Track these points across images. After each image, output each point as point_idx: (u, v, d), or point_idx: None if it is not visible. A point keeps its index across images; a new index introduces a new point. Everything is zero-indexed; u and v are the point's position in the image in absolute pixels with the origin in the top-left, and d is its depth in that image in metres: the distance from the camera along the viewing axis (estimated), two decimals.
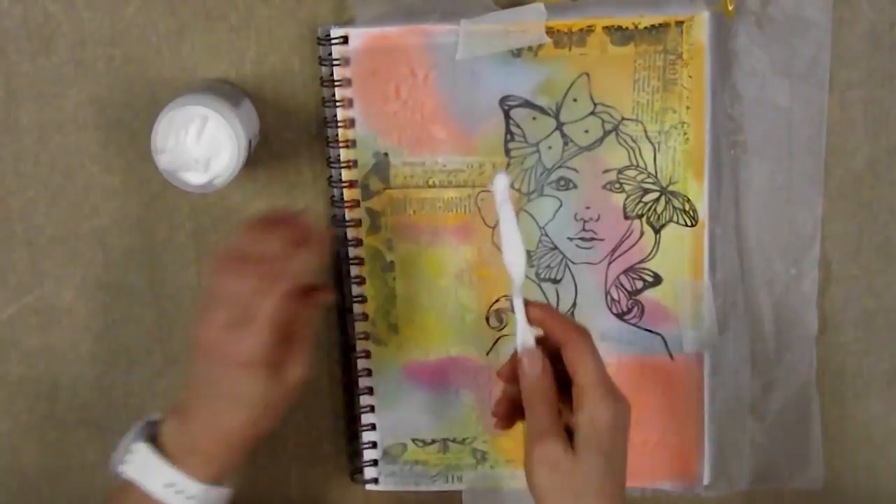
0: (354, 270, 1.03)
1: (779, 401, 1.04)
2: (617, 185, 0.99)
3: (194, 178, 0.93)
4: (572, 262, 1.01)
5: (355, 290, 1.03)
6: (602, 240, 1.00)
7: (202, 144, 0.93)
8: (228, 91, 0.98)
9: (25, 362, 1.07)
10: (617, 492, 0.85)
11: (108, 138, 1.02)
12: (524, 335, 0.88)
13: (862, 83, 0.99)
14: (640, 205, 0.99)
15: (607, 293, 1.01)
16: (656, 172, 0.98)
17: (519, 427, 1.04)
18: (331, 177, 1.01)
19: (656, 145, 0.98)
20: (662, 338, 1.02)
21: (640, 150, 0.98)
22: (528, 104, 0.98)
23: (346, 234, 1.02)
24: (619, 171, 0.99)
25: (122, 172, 1.02)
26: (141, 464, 0.92)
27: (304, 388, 1.02)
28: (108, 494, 0.94)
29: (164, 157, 0.93)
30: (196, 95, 0.93)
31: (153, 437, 0.93)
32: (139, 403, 1.08)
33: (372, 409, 1.06)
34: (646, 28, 0.95)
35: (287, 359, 0.92)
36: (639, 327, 1.02)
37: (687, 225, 0.99)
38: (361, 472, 1.08)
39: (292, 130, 1.01)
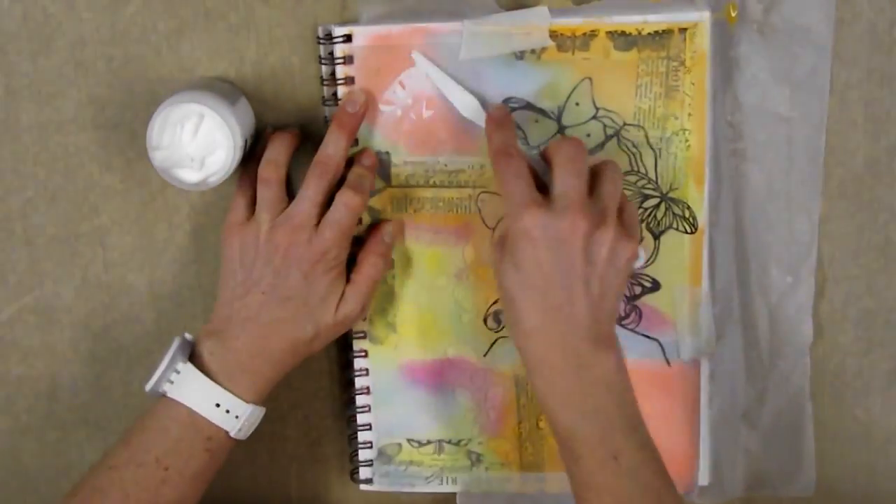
0: None
1: (772, 409, 1.04)
2: None
3: (189, 175, 0.93)
4: None
5: None
6: None
7: (198, 142, 0.93)
8: (226, 89, 0.98)
9: (25, 362, 1.07)
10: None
11: (108, 138, 1.01)
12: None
13: (862, 83, 0.99)
14: (640, 210, 0.99)
15: None
16: (657, 178, 0.98)
17: (512, 431, 1.05)
18: None
19: (657, 151, 0.98)
20: (660, 344, 1.02)
21: (641, 155, 0.98)
22: (530, 107, 0.98)
23: None
24: None
25: (121, 172, 1.02)
26: (188, 384, 0.94)
27: (303, 389, 1.03)
28: (143, 413, 0.96)
29: (158, 153, 0.93)
30: (193, 93, 0.93)
31: (190, 358, 0.95)
32: (139, 403, 1.08)
33: (368, 408, 1.06)
34: (649, 34, 0.95)
35: (346, 289, 0.98)
36: (636, 333, 1.02)
37: (686, 232, 0.99)
38: (359, 471, 1.08)
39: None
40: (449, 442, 1.06)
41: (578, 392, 0.87)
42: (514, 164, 0.91)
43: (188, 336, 0.96)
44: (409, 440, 1.07)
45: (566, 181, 0.88)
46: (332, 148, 0.96)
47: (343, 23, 0.98)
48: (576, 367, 0.87)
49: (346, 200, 0.95)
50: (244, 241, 0.96)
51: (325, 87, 0.99)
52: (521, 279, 0.88)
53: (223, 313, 0.97)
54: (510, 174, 0.90)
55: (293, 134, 1.00)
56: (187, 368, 0.93)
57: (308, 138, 1.00)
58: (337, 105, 0.99)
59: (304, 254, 0.94)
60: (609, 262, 0.88)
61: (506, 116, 0.95)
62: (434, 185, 1.00)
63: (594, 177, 0.91)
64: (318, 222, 0.95)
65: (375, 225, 1.02)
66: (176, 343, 0.95)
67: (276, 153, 0.97)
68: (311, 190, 0.95)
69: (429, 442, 1.07)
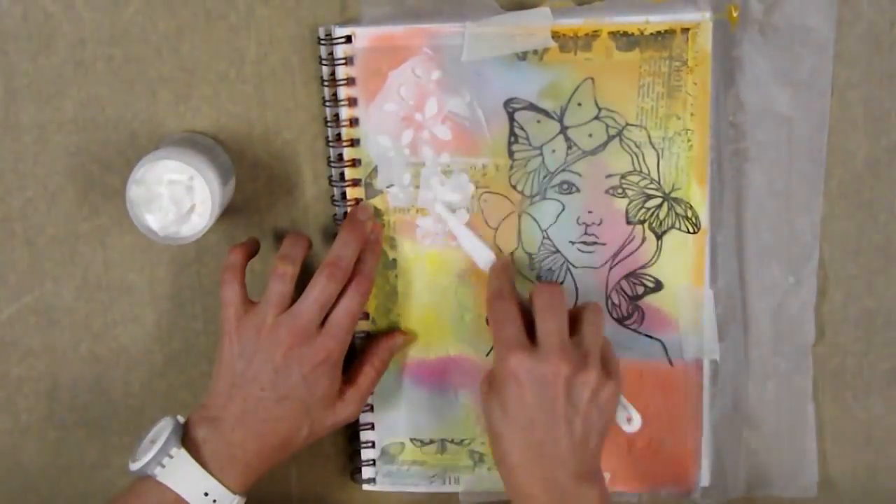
0: None
1: (774, 409, 1.04)
2: (620, 191, 0.99)
3: (154, 222, 0.93)
4: (573, 265, 1.01)
5: None
6: (604, 244, 1.00)
7: (177, 201, 0.93)
8: (211, 150, 0.99)
9: (25, 362, 1.07)
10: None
11: (107, 138, 1.01)
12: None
13: (862, 83, 0.99)
14: (643, 210, 0.99)
15: (608, 298, 1.01)
16: (659, 178, 0.98)
17: None
18: (331, 176, 1.01)
19: (660, 151, 0.98)
20: (662, 344, 1.02)
21: (643, 155, 0.98)
22: (532, 107, 0.98)
23: None
24: (623, 177, 0.98)
25: (121, 172, 1.02)
26: (180, 470, 0.93)
27: None
28: (124, 488, 0.95)
29: (136, 188, 0.93)
30: (183, 152, 0.94)
31: (182, 442, 0.94)
32: (139, 403, 1.08)
33: (371, 408, 1.06)
34: (651, 34, 0.95)
35: (345, 391, 0.99)
36: (639, 333, 1.02)
37: (689, 232, 0.99)
38: (361, 471, 1.08)
39: (292, 130, 1.01)
40: (451, 441, 1.06)
41: None
42: (504, 306, 0.95)
43: (180, 419, 0.95)
44: (411, 440, 1.07)
45: (547, 326, 0.92)
46: (343, 251, 0.97)
47: (343, 23, 0.98)
48: (559, 501, 0.90)
49: (349, 306, 0.96)
50: (244, 332, 0.96)
51: (325, 88, 0.99)
52: (506, 417, 0.91)
53: (219, 402, 0.96)
54: (501, 317, 0.94)
55: (306, 237, 1.00)
56: (181, 455, 0.92)
57: (308, 137, 1.00)
58: (337, 106, 0.99)
59: (306, 355, 0.95)
60: (591, 402, 0.91)
61: (507, 265, 1.00)
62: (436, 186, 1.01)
63: (575, 320, 0.95)
64: (323, 321, 0.96)
65: (386, 334, 1.04)
66: (170, 426, 0.94)
67: (294, 251, 0.98)
68: (317, 291, 0.95)
69: (431, 441, 1.07)
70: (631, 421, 0.97)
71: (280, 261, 0.96)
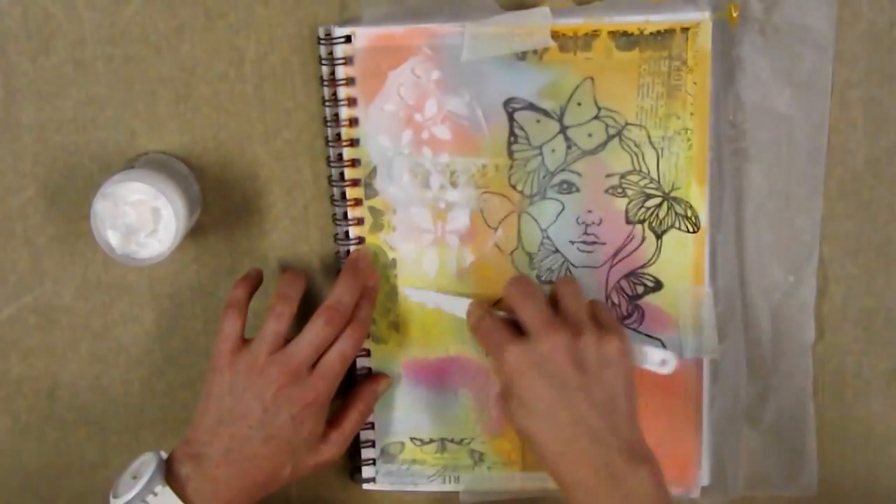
0: None
1: (774, 408, 1.04)
2: (619, 190, 0.99)
3: (115, 238, 0.94)
4: (573, 265, 1.01)
5: None
6: (603, 244, 1.00)
7: (143, 221, 0.93)
8: (185, 179, 1.00)
9: (25, 362, 1.07)
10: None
11: (107, 138, 1.01)
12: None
13: (862, 83, 0.99)
14: (643, 210, 0.99)
15: (608, 297, 1.01)
16: (659, 178, 0.98)
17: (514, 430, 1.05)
18: (331, 175, 1.01)
19: (660, 151, 0.98)
20: (662, 343, 1.02)
21: (643, 155, 0.98)
22: (532, 107, 0.98)
23: (347, 232, 1.02)
24: (622, 176, 0.98)
25: None
26: None
27: None
28: None
29: (102, 203, 0.93)
30: (157, 176, 0.94)
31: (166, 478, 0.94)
32: (139, 403, 1.08)
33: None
34: (651, 34, 0.95)
35: (330, 434, 1.00)
36: (639, 332, 1.02)
37: (689, 231, 0.99)
38: (360, 471, 1.08)
39: (292, 130, 1.01)
40: (451, 441, 1.06)
41: None
42: (486, 323, 0.97)
43: (163, 454, 0.95)
44: (411, 439, 1.07)
45: (527, 313, 0.93)
46: (343, 296, 0.98)
47: (343, 23, 0.98)
48: (609, 481, 0.88)
49: (343, 351, 0.97)
50: (237, 369, 0.96)
51: (325, 88, 0.99)
52: (529, 413, 0.91)
53: (204, 437, 0.96)
54: (486, 333, 0.97)
55: (304, 276, 1.01)
56: (165, 492, 0.92)
57: (307, 137, 1.00)
58: (337, 106, 0.99)
59: (296, 395, 0.95)
60: (600, 363, 0.91)
61: (480, 304, 1.00)
62: (436, 186, 1.00)
63: (554, 300, 0.96)
64: (315, 363, 0.96)
65: (372, 377, 1.05)
66: (154, 462, 0.93)
67: (291, 291, 0.99)
68: (313, 333, 0.96)
69: (431, 441, 1.07)
70: (665, 363, 0.96)
71: (277, 300, 0.97)
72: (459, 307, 1.02)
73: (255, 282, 1.02)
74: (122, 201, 0.93)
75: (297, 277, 1.00)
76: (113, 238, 0.93)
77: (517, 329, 0.94)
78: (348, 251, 1.02)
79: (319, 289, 1.05)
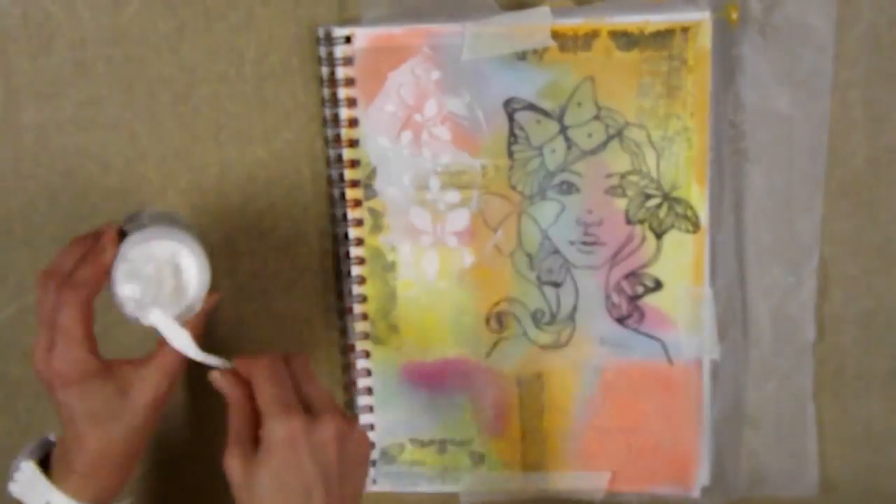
0: (355, 270, 1.03)
1: (774, 408, 1.04)
2: (619, 190, 0.99)
3: (130, 293, 0.89)
4: (573, 265, 1.01)
5: (356, 289, 1.03)
6: (604, 244, 1.00)
7: (164, 285, 0.89)
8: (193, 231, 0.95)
9: (25, 362, 1.07)
10: None
11: (107, 138, 1.01)
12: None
13: (862, 83, 0.99)
14: (643, 210, 0.99)
15: (608, 297, 1.01)
16: (659, 178, 0.98)
17: (514, 431, 1.05)
18: (330, 176, 1.01)
19: (660, 151, 0.98)
20: (662, 343, 1.02)
21: (643, 155, 0.98)
22: (532, 107, 0.98)
23: (347, 233, 1.02)
24: (622, 176, 0.98)
25: (121, 172, 1.02)
26: (26, 482, 0.92)
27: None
28: None
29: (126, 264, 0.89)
30: (176, 232, 0.89)
31: (47, 457, 0.93)
32: None
33: (371, 409, 1.06)
34: (651, 34, 0.95)
35: (134, 377, 0.93)
36: (638, 332, 1.02)
37: (689, 231, 0.99)
38: None
39: (292, 130, 1.01)
40: (451, 442, 1.06)
41: None
42: (273, 367, 0.89)
43: (50, 436, 0.95)
44: (411, 440, 1.07)
45: (312, 388, 0.89)
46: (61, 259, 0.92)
47: (343, 23, 0.98)
48: None
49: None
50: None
51: (324, 89, 0.99)
52: (281, 488, 0.85)
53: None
54: (269, 378, 0.89)
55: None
56: (27, 467, 0.92)
57: (307, 137, 1.00)
58: (337, 106, 0.99)
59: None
60: (356, 460, 0.88)
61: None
62: (436, 187, 1.01)
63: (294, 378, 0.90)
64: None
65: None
66: (30, 444, 0.94)
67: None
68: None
69: (431, 442, 1.07)
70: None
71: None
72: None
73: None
74: (142, 260, 0.88)
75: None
76: (135, 295, 0.89)
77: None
78: (348, 252, 1.02)
79: (319, 286, 1.05)
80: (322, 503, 0.85)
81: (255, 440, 0.87)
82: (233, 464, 0.86)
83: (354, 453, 0.88)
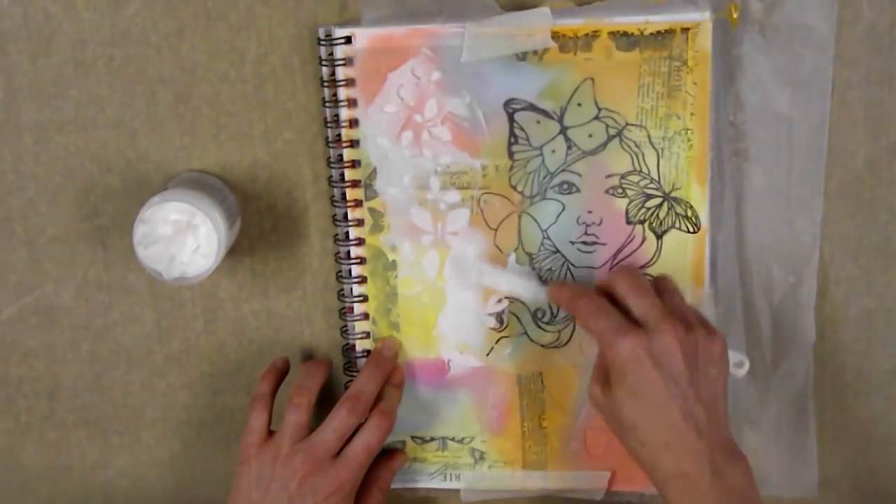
0: (356, 270, 1.03)
1: (775, 409, 1.04)
2: (620, 190, 0.99)
3: (159, 260, 0.94)
4: (574, 265, 1.01)
5: (356, 289, 1.03)
6: (604, 244, 1.00)
7: (181, 244, 0.94)
8: (219, 192, 1.00)
9: (26, 363, 1.07)
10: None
11: (107, 138, 1.01)
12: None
13: (862, 83, 0.99)
14: (643, 210, 0.99)
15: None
16: (659, 178, 0.98)
17: (515, 430, 1.05)
18: (331, 176, 1.01)
19: (660, 151, 0.97)
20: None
21: (643, 155, 0.98)
22: (532, 108, 0.98)
23: (347, 233, 1.02)
24: (623, 177, 0.98)
25: (121, 172, 1.02)
26: None
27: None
28: None
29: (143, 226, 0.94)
30: (190, 193, 0.94)
31: None
32: (139, 403, 1.08)
33: None
34: (651, 34, 0.95)
35: None
36: None
37: (689, 231, 0.99)
38: None
39: (293, 130, 1.01)
40: (452, 439, 1.07)
41: (715, 500, 0.88)
42: (591, 301, 0.94)
43: None
44: (412, 437, 1.07)
45: (643, 303, 0.92)
46: (366, 386, 1.00)
47: (343, 24, 0.98)
48: (711, 475, 0.88)
49: (368, 441, 0.98)
50: (262, 461, 0.98)
51: (325, 89, 0.99)
52: (640, 402, 0.90)
53: None
54: (592, 310, 0.93)
55: (325, 364, 1.04)
56: None
57: (308, 137, 1.00)
58: (337, 106, 0.99)
59: (320, 484, 0.96)
60: (707, 361, 0.91)
61: (563, 283, 1.01)
62: (436, 187, 1.01)
63: (658, 293, 0.95)
64: (339, 451, 0.98)
65: (388, 455, 1.06)
66: None
67: (310, 381, 1.01)
68: (337, 422, 0.98)
69: (432, 439, 1.07)
70: (742, 365, 0.98)
71: (296, 391, 0.99)
72: (529, 289, 1.02)
73: (280, 374, 1.05)
74: (161, 223, 0.93)
75: (317, 368, 1.02)
76: (159, 263, 0.94)
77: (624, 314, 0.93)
78: (349, 252, 1.02)
79: (319, 286, 1.05)
80: (679, 410, 0.89)
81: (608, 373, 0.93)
82: (594, 391, 0.94)
83: (704, 356, 0.91)
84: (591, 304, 0.94)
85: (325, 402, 1.03)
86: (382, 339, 1.04)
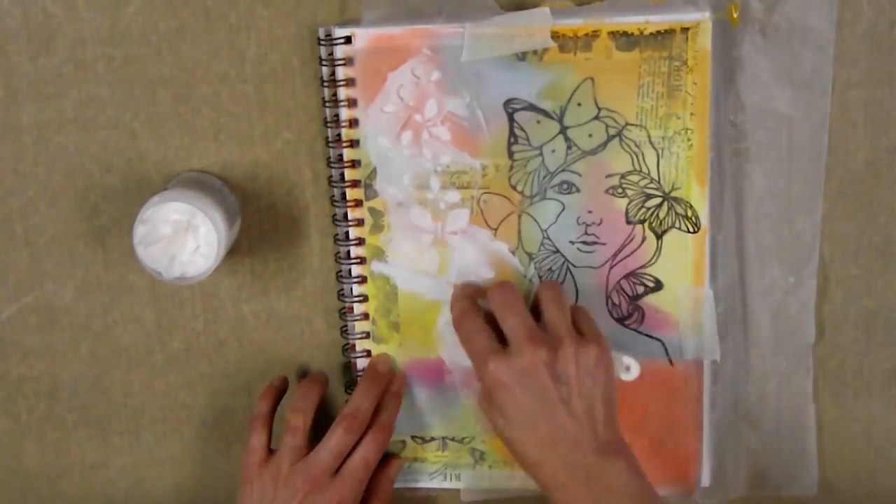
0: (356, 270, 1.03)
1: (775, 409, 1.04)
2: (620, 190, 0.99)
3: (159, 261, 0.95)
4: (574, 265, 1.01)
5: (356, 289, 1.03)
6: (604, 244, 1.00)
7: (184, 243, 0.94)
8: (219, 192, 1.00)
9: (26, 363, 1.07)
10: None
11: (107, 138, 1.01)
12: None
13: (862, 83, 0.99)
14: (643, 210, 0.99)
15: (608, 297, 1.01)
16: (659, 178, 0.98)
17: None
18: (331, 176, 1.01)
19: (660, 151, 0.97)
20: (662, 344, 1.02)
21: (643, 155, 0.98)
22: (532, 107, 0.98)
23: (347, 232, 1.02)
24: (622, 176, 0.98)
25: (122, 172, 1.02)
26: None
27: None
28: None
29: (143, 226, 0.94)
30: (190, 193, 0.94)
31: None
32: (139, 403, 1.08)
33: None
34: (651, 34, 0.95)
35: None
36: (639, 332, 1.02)
37: (689, 231, 0.99)
38: None
39: (292, 130, 1.01)
40: (452, 439, 1.07)
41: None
42: (469, 323, 0.97)
43: None
44: (412, 437, 1.07)
45: (509, 323, 0.94)
46: (362, 402, 1.01)
47: (343, 24, 0.98)
48: (585, 481, 0.90)
49: (366, 456, 1.00)
50: (263, 482, 0.99)
51: (325, 89, 0.99)
52: (509, 423, 0.92)
53: None
54: (468, 334, 0.97)
55: (320, 382, 1.04)
56: None
57: (308, 137, 1.00)
58: (337, 106, 0.99)
59: (320, 502, 0.97)
60: (579, 374, 0.92)
61: (465, 287, 1.02)
62: (436, 187, 1.00)
63: (537, 307, 0.96)
64: (338, 469, 0.99)
65: (384, 462, 1.06)
66: None
67: (305, 402, 1.02)
68: (334, 442, 0.99)
69: (432, 439, 1.07)
70: (629, 369, 0.97)
71: (292, 413, 1.00)
72: (439, 290, 1.03)
73: (279, 393, 1.05)
74: (161, 223, 0.93)
75: (311, 388, 1.03)
76: (159, 263, 0.94)
77: (499, 333, 0.95)
78: (349, 252, 1.02)
79: (319, 286, 1.05)
80: (548, 427, 0.91)
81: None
82: (480, 405, 0.96)
83: (576, 370, 0.92)
84: (469, 324, 0.97)
85: (323, 417, 1.04)
86: (376, 355, 1.05)
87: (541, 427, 0.91)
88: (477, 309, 0.98)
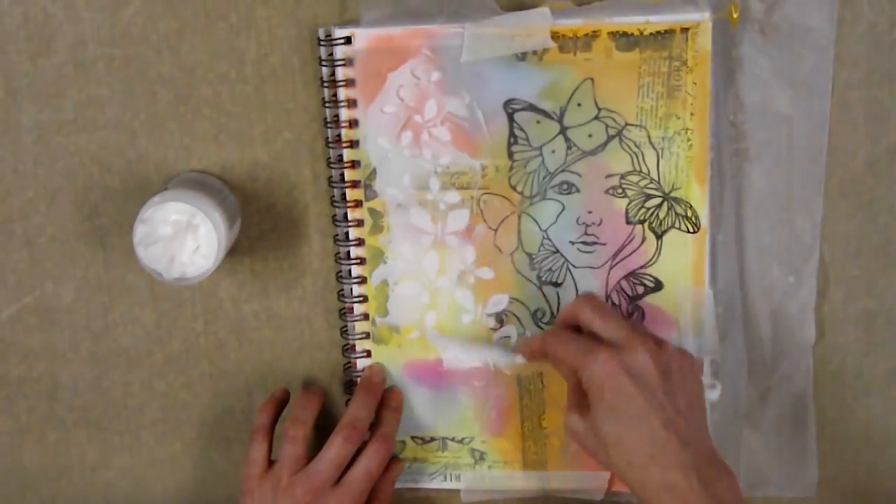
0: (356, 270, 1.03)
1: (774, 409, 1.04)
2: (619, 190, 0.99)
3: (160, 261, 0.95)
4: (573, 265, 1.01)
5: (356, 290, 1.03)
6: (604, 244, 1.00)
7: (183, 243, 0.94)
8: (219, 192, 1.00)
9: (26, 363, 1.07)
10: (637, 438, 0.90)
11: (107, 138, 1.01)
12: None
13: (862, 83, 0.99)
14: (643, 210, 0.99)
15: (608, 298, 1.01)
16: (659, 178, 0.98)
17: (515, 430, 1.05)
18: (331, 177, 1.01)
19: (660, 151, 0.97)
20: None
21: (643, 155, 0.98)
22: (532, 108, 0.98)
23: (347, 233, 1.02)
24: (622, 177, 0.98)
25: (122, 172, 1.02)
26: None
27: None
28: None
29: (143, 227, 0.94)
30: (190, 193, 0.94)
31: None
32: (139, 403, 1.08)
33: None
34: (651, 34, 0.95)
35: None
36: None
37: (689, 231, 0.99)
38: None
39: (292, 130, 1.01)
40: (452, 440, 1.07)
41: None
42: (559, 333, 0.96)
43: None
44: (412, 437, 1.07)
45: (610, 325, 0.93)
46: (359, 411, 1.02)
47: (343, 24, 0.98)
48: (699, 485, 0.88)
49: (368, 467, 1.00)
50: (263, 493, 0.99)
51: (325, 89, 0.99)
52: (620, 417, 0.90)
53: None
54: (561, 344, 0.94)
55: (319, 393, 1.05)
56: None
57: (308, 137, 1.00)
58: (337, 107, 0.99)
59: None
60: (681, 374, 0.92)
61: (527, 338, 1.03)
62: (436, 187, 1.00)
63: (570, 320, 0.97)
64: (339, 479, 0.99)
65: (387, 464, 1.04)
66: None
67: (305, 413, 1.02)
68: (333, 452, 0.99)
69: (432, 439, 1.07)
70: (714, 387, 0.99)
71: (292, 424, 1.01)
72: (508, 360, 1.04)
73: (279, 404, 1.06)
74: (161, 223, 0.93)
75: (311, 400, 1.03)
76: (159, 263, 0.94)
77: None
78: (349, 252, 1.02)
79: (319, 286, 1.05)
80: (660, 420, 0.89)
81: (585, 398, 0.93)
82: (572, 419, 0.93)
83: (678, 370, 0.92)
84: (558, 336, 0.95)
85: (323, 428, 1.05)
86: (368, 366, 1.05)
87: (652, 420, 0.89)
88: (556, 331, 0.97)
